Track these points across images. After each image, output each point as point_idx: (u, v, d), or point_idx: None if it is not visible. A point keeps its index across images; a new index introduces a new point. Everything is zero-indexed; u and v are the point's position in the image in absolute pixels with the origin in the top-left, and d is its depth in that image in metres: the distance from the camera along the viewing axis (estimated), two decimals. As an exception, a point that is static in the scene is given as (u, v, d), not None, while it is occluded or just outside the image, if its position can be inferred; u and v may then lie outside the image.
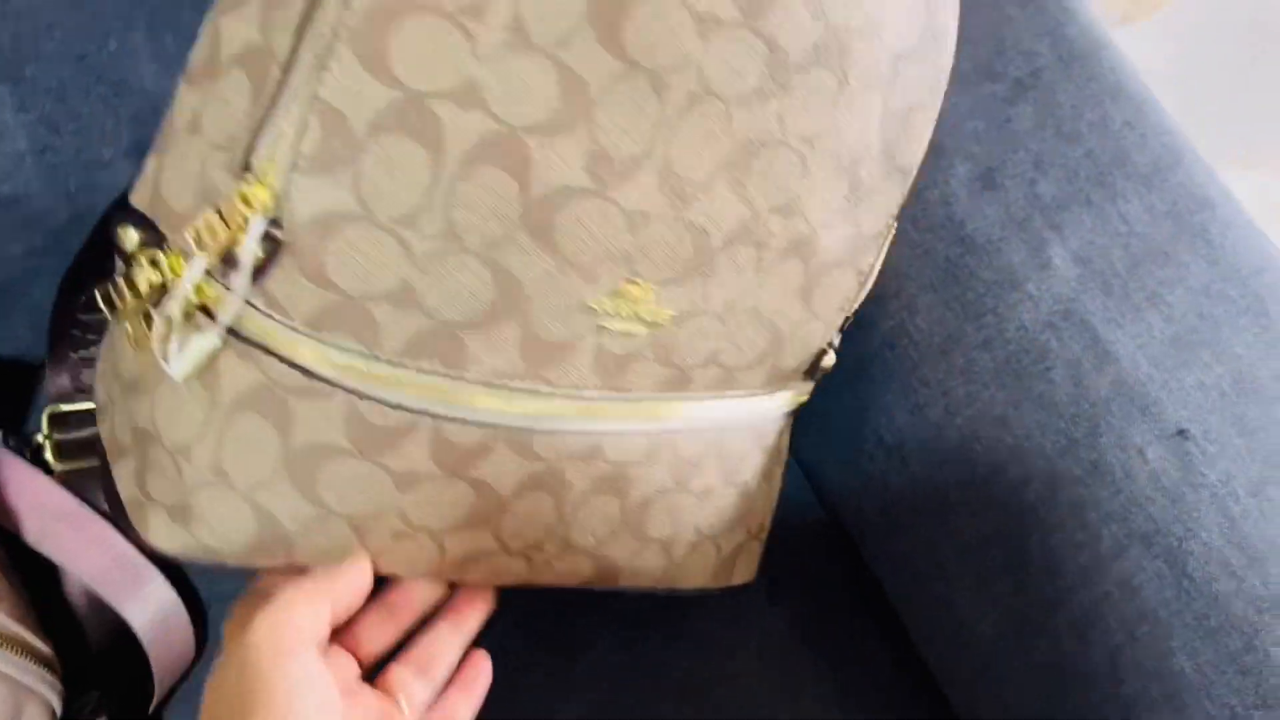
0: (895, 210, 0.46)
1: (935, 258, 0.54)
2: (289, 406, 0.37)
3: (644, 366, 0.41)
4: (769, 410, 0.48)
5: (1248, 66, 1.26)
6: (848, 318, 0.49)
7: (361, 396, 0.37)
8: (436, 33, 0.32)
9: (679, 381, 0.43)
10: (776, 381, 0.47)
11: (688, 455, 0.46)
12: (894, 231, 0.48)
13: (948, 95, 0.57)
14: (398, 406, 0.38)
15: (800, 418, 0.58)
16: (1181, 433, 0.49)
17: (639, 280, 0.39)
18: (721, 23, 0.35)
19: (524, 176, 0.35)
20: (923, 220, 0.54)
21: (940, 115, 0.57)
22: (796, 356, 0.47)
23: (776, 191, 0.40)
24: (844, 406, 0.56)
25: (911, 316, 0.53)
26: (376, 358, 0.36)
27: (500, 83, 0.33)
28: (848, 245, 0.44)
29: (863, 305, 0.56)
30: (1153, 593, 0.47)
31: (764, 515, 0.53)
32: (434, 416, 0.38)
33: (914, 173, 0.46)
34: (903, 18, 0.41)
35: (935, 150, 0.56)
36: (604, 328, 0.39)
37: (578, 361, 0.40)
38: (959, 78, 0.58)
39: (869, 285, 0.48)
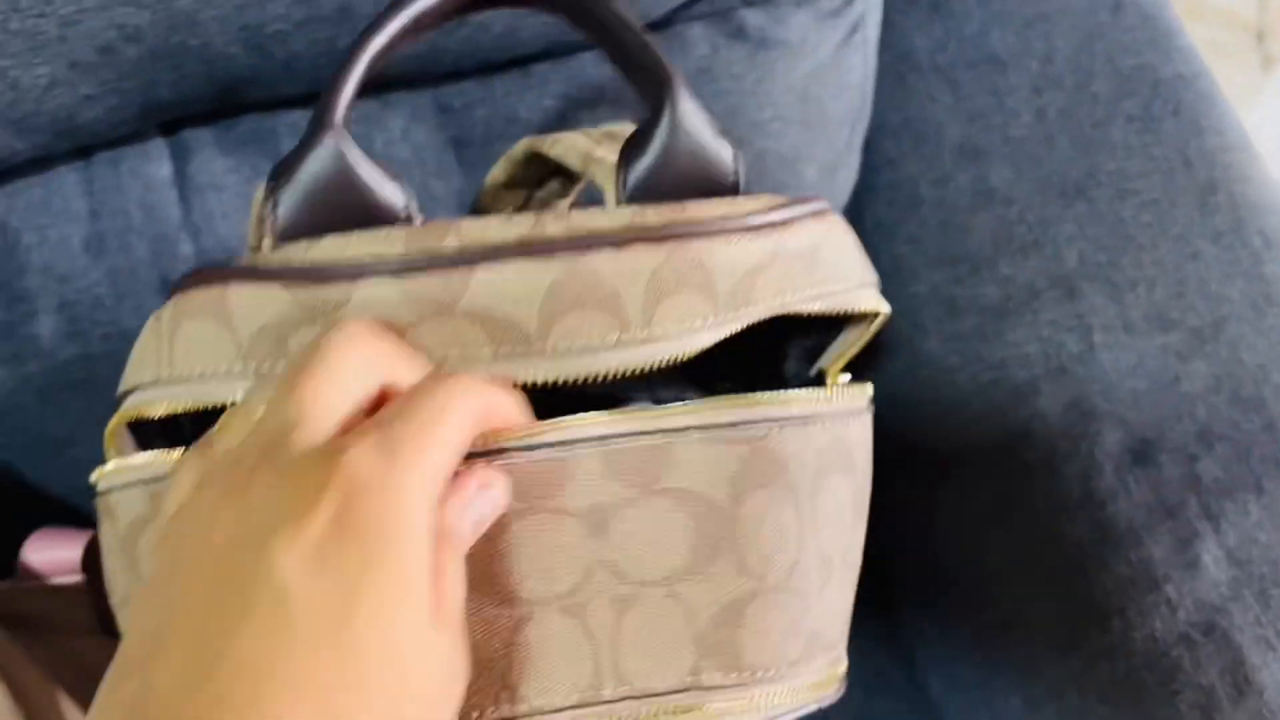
0: None
1: (1063, 543, 0.50)
2: None
3: None
4: None
5: None
6: None
7: None
8: None
9: None
10: None
11: None
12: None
13: (1108, 346, 0.53)
14: None
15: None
16: (1327, 793, 0.43)
17: None
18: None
19: None
20: (1059, 496, 0.50)
21: (1097, 370, 0.52)
22: None
23: None
24: (972, 687, 0.54)
25: (1030, 604, 0.50)
26: None
27: None
28: None
29: (979, 576, 0.53)
30: None
31: None
32: None
33: None
34: None
35: (1084, 412, 0.52)
36: None
37: None
38: (1126, 325, 0.53)
39: None
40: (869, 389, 0.36)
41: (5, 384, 0.51)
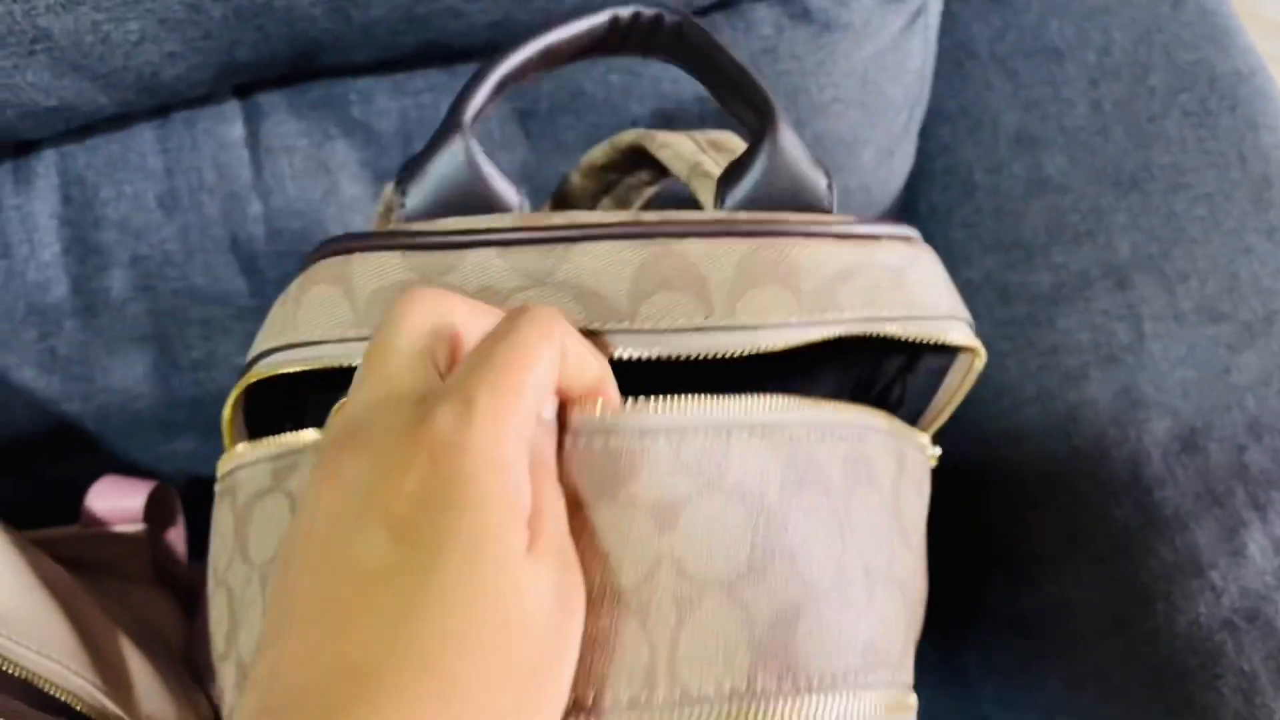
0: None
1: (1112, 526, 0.50)
2: None
3: None
4: None
5: None
6: None
7: None
8: None
9: None
10: None
11: None
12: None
13: (1158, 336, 0.53)
14: None
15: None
16: (1368, 780, 0.44)
17: None
18: None
19: None
20: (1106, 480, 0.51)
21: (1147, 359, 0.53)
22: None
23: None
24: (1011, 660, 0.54)
25: (1075, 587, 0.50)
26: None
27: None
28: None
29: (1024, 558, 0.53)
30: None
31: None
32: None
33: None
34: None
35: (1133, 400, 0.52)
36: None
37: None
38: (1177, 316, 0.54)
39: None
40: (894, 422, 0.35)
41: (76, 335, 0.52)
